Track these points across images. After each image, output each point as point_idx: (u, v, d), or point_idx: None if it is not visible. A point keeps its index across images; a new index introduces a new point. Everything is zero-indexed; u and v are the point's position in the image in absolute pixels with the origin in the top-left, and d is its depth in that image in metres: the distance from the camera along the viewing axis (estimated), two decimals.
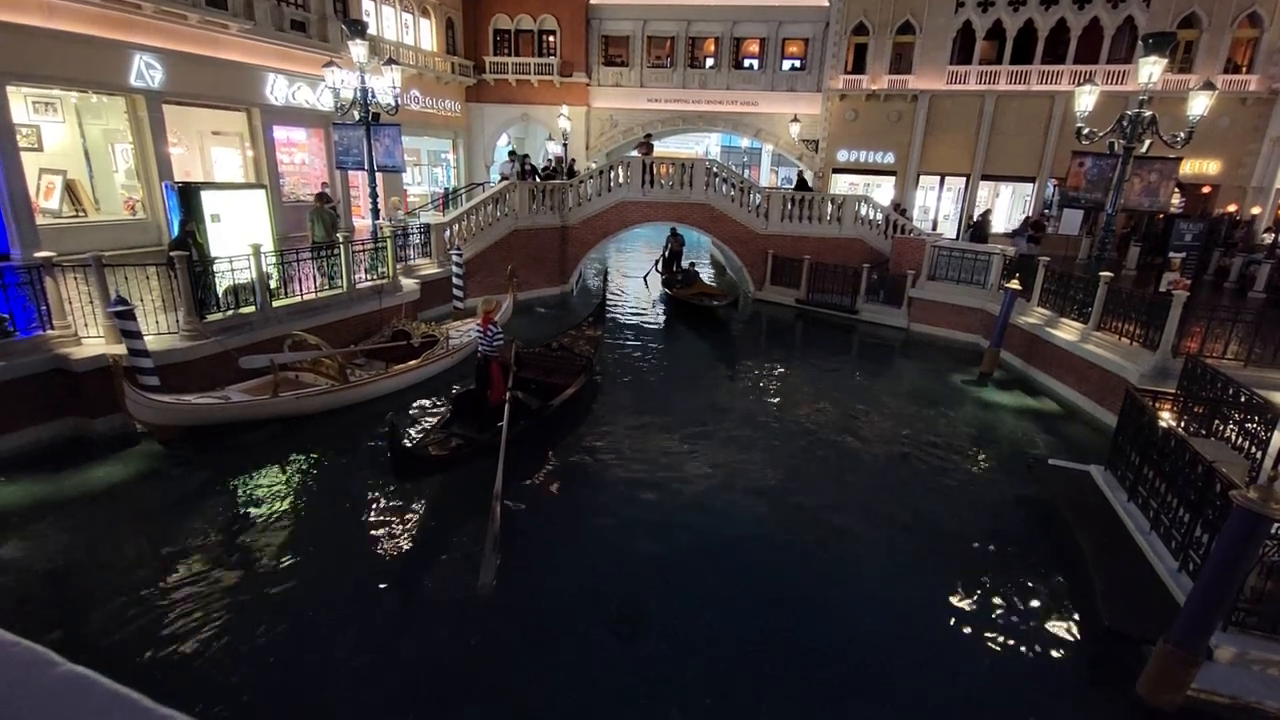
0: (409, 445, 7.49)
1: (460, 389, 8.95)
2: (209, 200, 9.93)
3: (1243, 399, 7.25)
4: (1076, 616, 6.02)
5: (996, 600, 6.22)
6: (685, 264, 18.86)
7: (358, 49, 12.06)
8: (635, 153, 19.21)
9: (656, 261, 19.51)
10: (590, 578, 6.35)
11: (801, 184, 20.35)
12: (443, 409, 9.51)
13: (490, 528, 6.20)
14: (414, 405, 10.15)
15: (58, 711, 0.51)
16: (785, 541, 7.16)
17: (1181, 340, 9.51)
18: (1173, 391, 8.10)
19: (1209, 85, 11.07)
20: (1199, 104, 10.82)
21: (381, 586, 6.06)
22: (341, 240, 11.35)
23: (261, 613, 5.58)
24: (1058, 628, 5.92)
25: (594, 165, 22.13)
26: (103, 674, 0.59)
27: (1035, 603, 6.23)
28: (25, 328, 7.86)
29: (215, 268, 9.25)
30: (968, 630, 5.84)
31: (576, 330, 12.56)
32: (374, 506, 7.41)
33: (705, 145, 36.57)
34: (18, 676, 0.53)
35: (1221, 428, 7.51)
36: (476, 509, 7.57)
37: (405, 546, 6.66)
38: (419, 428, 9.24)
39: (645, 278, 19.64)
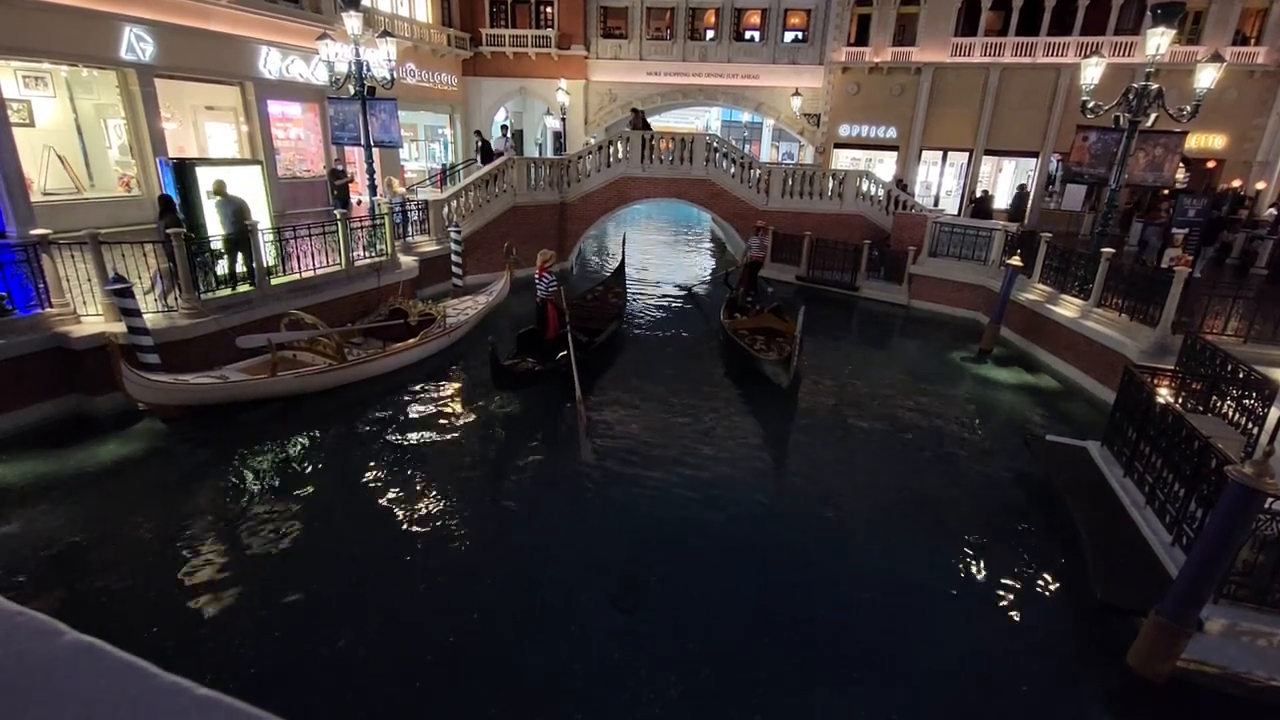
0: (505, 364, 9.20)
1: (523, 330, 10.51)
2: (205, 176, 9.82)
3: (1240, 375, 7.26)
4: (1070, 589, 6.10)
5: (992, 573, 6.30)
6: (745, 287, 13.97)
7: (352, 21, 11.84)
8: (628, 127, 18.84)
9: (727, 273, 14.93)
10: (592, 546, 6.43)
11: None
12: (444, 391, 10.11)
13: (580, 418, 8.29)
14: (420, 383, 10.18)
15: (65, 679, 0.52)
16: (784, 514, 7.23)
17: (1181, 317, 9.50)
18: (1171, 368, 8.11)
19: (1217, 57, 10.89)
20: (1207, 76, 10.65)
21: (383, 560, 6.13)
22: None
23: (267, 586, 5.66)
24: (1052, 600, 6.02)
25: (593, 140, 21.88)
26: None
27: (1030, 576, 6.31)
28: (24, 306, 7.84)
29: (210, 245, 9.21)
30: (963, 602, 5.93)
31: (604, 287, 14.28)
32: (373, 482, 7.47)
33: (706, 120, 36.10)
34: (25, 646, 0.54)
35: (1219, 404, 7.55)
36: (463, 487, 7.64)
37: (407, 522, 6.72)
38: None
39: (690, 290, 16.70)
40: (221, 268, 9.66)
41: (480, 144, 19.12)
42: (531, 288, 12.66)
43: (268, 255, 10.02)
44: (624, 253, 15.32)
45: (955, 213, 21.57)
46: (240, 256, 9.73)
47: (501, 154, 17.83)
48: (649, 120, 19.79)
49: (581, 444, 8.07)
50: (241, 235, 9.53)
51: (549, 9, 25.72)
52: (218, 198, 9.48)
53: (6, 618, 0.56)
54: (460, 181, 17.01)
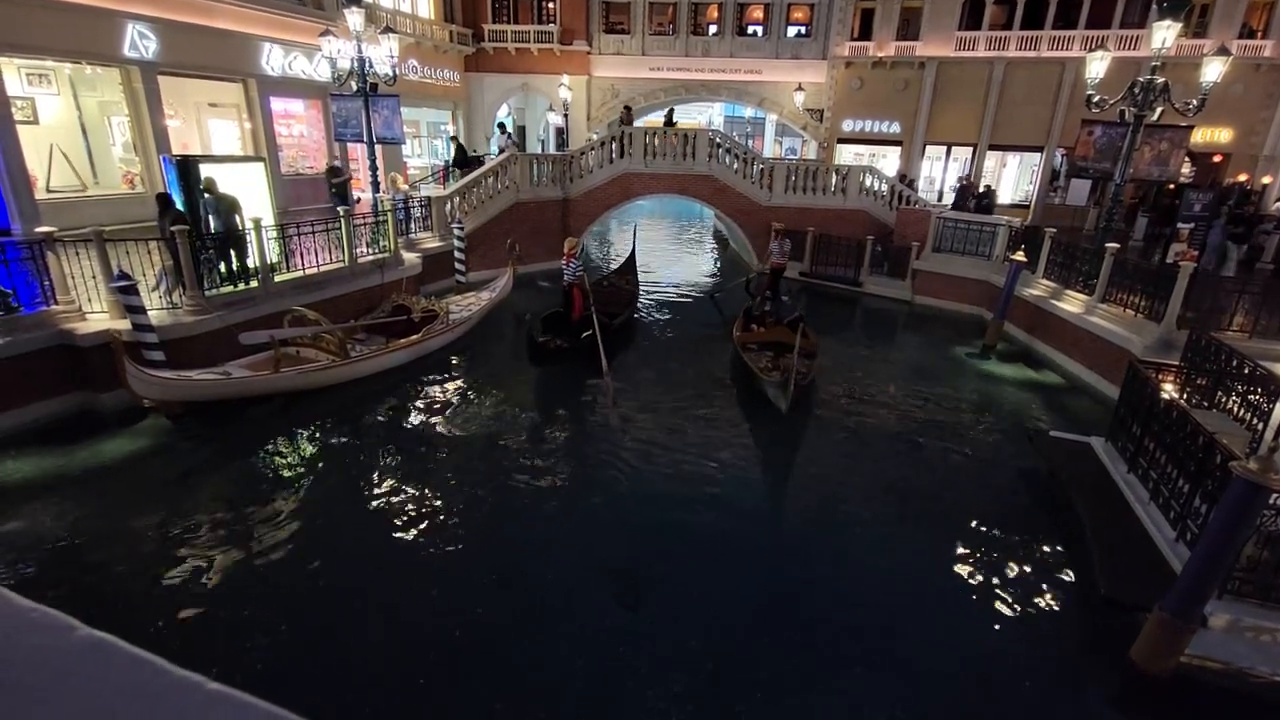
0: (541, 341, 10.27)
1: (547, 312, 11.48)
2: (208, 173, 9.81)
3: (1245, 370, 7.23)
4: (1074, 586, 6.11)
5: (995, 569, 6.30)
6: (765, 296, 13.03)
7: (354, 17, 11.83)
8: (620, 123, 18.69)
9: (748, 280, 14.63)
10: (593, 545, 6.45)
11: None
12: (446, 388, 10.24)
13: (608, 389, 9.12)
14: (423, 379, 10.21)
15: (79, 674, 0.52)
16: (784, 511, 7.25)
17: (1186, 312, 9.46)
18: (1176, 364, 8.09)
19: (1224, 51, 10.81)
20: (1213, 70, 10.57)
21: (384, 559, 6.16)
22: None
23: (268, 584, 5.69)
24: (1055, 596, 6.01)
25: (595, 137, 21.81)
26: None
27: (1034, 572, 6.31)
28: (29, 303, 7.87)
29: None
30: (967, 598, 5.93)
31: (617, 274, 15.14)
32: (374, 479, 7.50)
33: (709, 115, 36.01)
34: (38, 641, 0.54)
35: (1224, 399, 7.51)
36: (464, 484, 7.65)
37: (408, 520, 6.75)
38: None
39: (714, 295, 15.98)
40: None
41: (456, 148, 18.93)
42: (533, 282, 12.87)
43: (271, 252, 10.03)
44: (634, 243, 15.88)
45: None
46: (234, 254, 9.69)
47: (485, 157, 17.67)
48: (673, 117, 19.73)
49: (610, 410, 8.94)
50: (231, 233, 9.47)
51: (551, 5, 25.63)
52: (207, 195, 9.34)
53: (20, 614, 0.56)
54: (463, 178, 16.98)
